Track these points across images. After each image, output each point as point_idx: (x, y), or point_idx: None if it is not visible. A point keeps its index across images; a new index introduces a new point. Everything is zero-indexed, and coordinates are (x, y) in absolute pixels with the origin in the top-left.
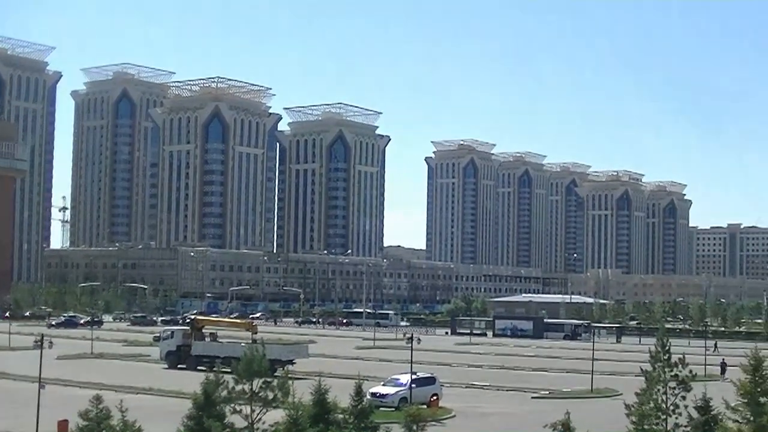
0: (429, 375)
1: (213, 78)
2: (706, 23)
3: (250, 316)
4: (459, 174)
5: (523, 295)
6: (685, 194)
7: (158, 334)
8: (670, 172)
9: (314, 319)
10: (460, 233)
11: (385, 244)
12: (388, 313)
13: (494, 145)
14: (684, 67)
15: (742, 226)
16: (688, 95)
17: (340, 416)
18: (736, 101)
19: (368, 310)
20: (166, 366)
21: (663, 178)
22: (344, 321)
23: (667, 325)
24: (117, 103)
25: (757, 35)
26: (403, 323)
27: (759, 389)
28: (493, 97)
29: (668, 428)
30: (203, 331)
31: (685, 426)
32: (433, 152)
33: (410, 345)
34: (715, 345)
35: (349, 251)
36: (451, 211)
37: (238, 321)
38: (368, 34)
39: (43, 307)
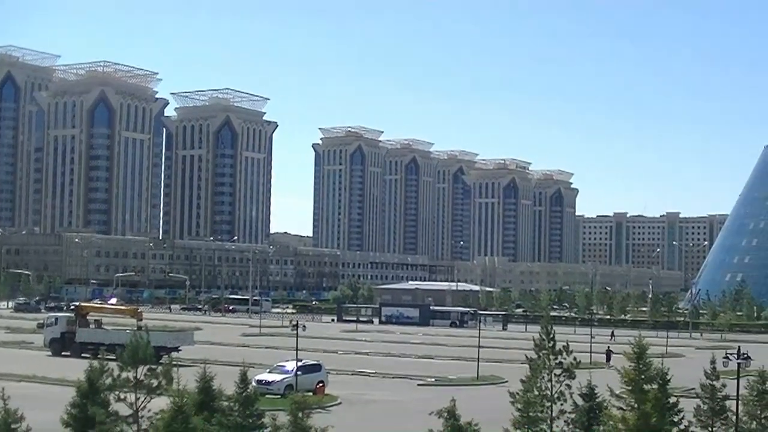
0: (315, 362)
1: (99, 62)
2: (587, 11)
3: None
4: (346, 161)
5: (410, 282)
6: (571, 183)
7: (42, 321)
8: (557, 160)
9: (200, 306)
10: (347, 220)
11: (271, 231)
12: (257, 300)
13: (382, 132)
14: (569, 56)
15: (628, 215)
16: (574, 85)
17: (225, 404)
18: (622, 90)
19: (255, 297)
20: (50, 353)
21: (550, 167)
22: (230, 308)
23: (553, 313)
24: (0, 87)
25: (638, 25)
26: (276, 310)
27: (643, 377)
28: (381, 84)
29: (553, 415)
30: (88, 317)
31: (570, 413)
32: (321, 139)
33: (296, 332)
34: (612, 333)
35: (236, 238)
36: (338, 198)
37: (124, 308)
38: (256, 19)
39: None
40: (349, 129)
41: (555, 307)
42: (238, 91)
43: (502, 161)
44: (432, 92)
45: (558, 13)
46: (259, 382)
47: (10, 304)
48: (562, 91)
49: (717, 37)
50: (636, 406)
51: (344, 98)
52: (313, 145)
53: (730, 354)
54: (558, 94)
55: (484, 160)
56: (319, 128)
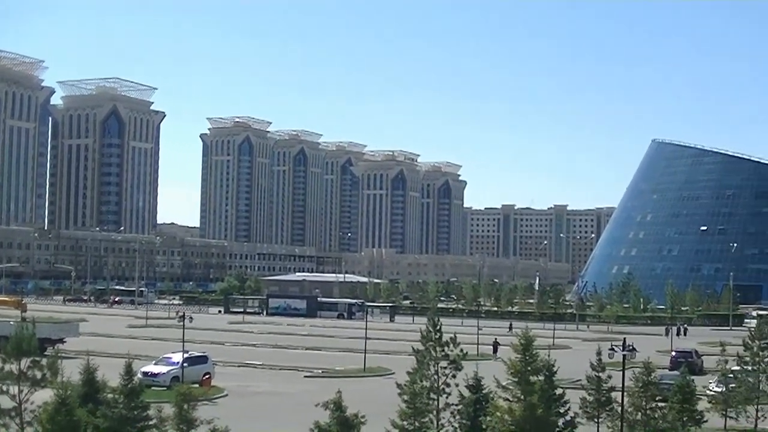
0: (201, 354)
1: None
2: (473, 4)
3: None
4: (234, 151)
5: (298, 273)
6: (460, 175)
7: None
8: (446, 152)
9: (85, 297)
10: (234, 211)
11: (158, 222)
12: (142, 290)
13: (270, 122)
14: (457, 49)
15: (515, 207)
16: (463, 77)
17: (110, 396)
18: (511, 83)
19: (141, 289)
20: None
21: (439, 159)
22: (116, 299)
23: (441, 305)
24: None
25: (528, 19)
26: (163, 301)
27: (529, 368)
28: (270, 75)
29: (439, 407)
30: None
31: (456, 404)
32: (209, 129)
33: (183, 324)
34: (510, 326)
35: (122, 228)
36: (225, 188)
37: (7, 299)
38: (144, 9)
39: None
40: (237, 119)
41: (442, 298)
42: (126, 81)
43: (391, 153)
44: (320, 84)
45: (446, 6)
46: (144, 374)
47: None
48: (450, 83)
49: (606, 32)
50: (522, 397)
51: (233, 89)
52: (201, 136)
53: (616, 346)
54: (446, 86)
55: (372, 151)
56: (207, 118)
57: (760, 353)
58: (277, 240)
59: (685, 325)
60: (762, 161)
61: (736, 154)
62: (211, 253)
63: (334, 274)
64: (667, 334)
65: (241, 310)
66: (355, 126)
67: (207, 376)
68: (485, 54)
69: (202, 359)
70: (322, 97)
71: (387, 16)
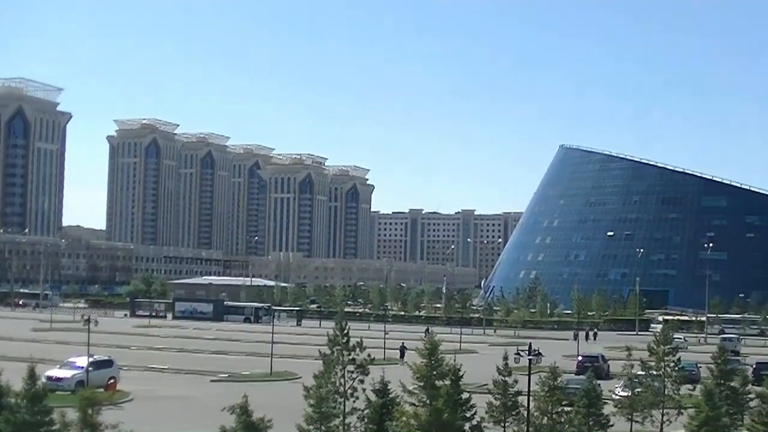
0: (106, 358)
1: None
2: (378, 8)
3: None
4: (141, 154)
5: (204, 277)
6: (367, 179)
7: None
8: (354, 156)
9: None
10: (141, 214)
11: (64, 224)
12: (47, 293)
13: (178, 125)
14: (362, 52)
15: (423, 212)
16: (370, 81)
17: (12, 401)
18: (418, 87)
19: (46, 291)
20: None
21: (346, 163)
22: (20, 302)
23: (348, 309)
24: None
25: (434, 22)
26: (68, 304)
27: (435, 373)
28: (178, 77)
29: (346, 411)
30: None
31: (363, 409)
32: (116, 131)
33: (88, 327)
34: (427, 330)
35: (27, 230)
36: (132, 191)
37: None
38: (51, 8)
39: None
40: (144, 121)
41: (349, 303)
42: (32, 81)
43: (299, 156)
44: (228, 86)
45: (348, 10)
46: (48, 378)
47: None
48: (358, 87)
49: (514, 36)
50: (428, 401)
51: (140, 91)
52: (108, 138)
53: (522, 350)
54: (354, 90)
55: (280, 155)
56: (114, 120)
57: (665, 358)
58: (184, 243)
59: (595, 330)
60: (668, 167)
61: (642, 161)
62: (117, 256)
63: (241, 278)
64: (575, 339)
65: (147, 313)
66: (263, 129)
67: (112, 381)
68: (391, 57)
69: (108, 363)
70: (230, 100)
71: (291, 18)
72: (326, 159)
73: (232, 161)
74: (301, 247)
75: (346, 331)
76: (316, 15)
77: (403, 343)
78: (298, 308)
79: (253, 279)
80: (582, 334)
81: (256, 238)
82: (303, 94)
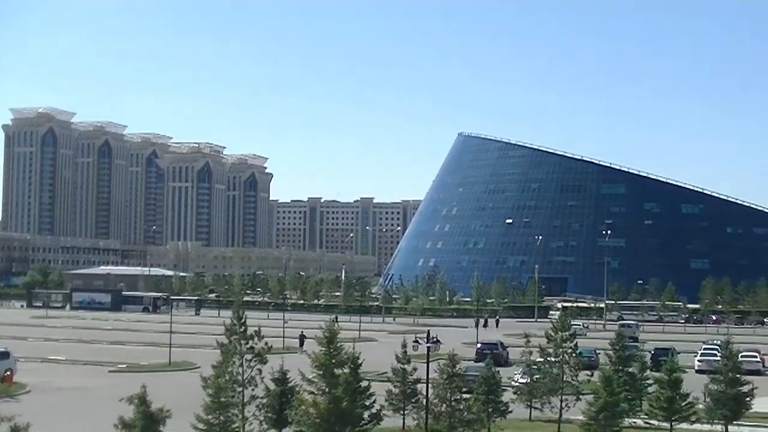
0: (2, 349)
1: None
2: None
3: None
4: (37, 143)
5: (102, 267)
6: (266, 167)
7: None
8: (252, 145)
9: None
10: (37, 204)
11: None
12: None
13: (74, 114)
14: (260, 40)
15: (322, 200)
16: (268, 68)
17: None
18: (315, 74)
19: None
20: None
21: (245, 151)
22: None
23: (246, 298)
24: None
25: (329, 12)
26: None
27: (334, 361)
28: (73, 64)
29: (245, 400)
30: None
31: (262, 398)
32: (11, 120)
33: None
34: (335, 319)
35: None
36: (28, 180)
37: None
38: None
39: None
40: (41, 110)
41: (248, 292)
42: None
43: (197, 145)
44: (125, 75)
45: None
46: None
47: None
48: (255, 74)
49: (411, 26)
50: (327, 390)
51: (36, 79)
52: (3, 126)
53: (420, 338)
54: (251, 76)
55: (178, 143)
56: (10, 109)
57: (563, 345)
58: (82, 233)
59: (497, 317)
60: (567, 155)
61: (541, 148)
62: (13, 247)
63: (139, 268)
64: (477, 326)
65: (45, 304)
66: (162, 118)
67: (9, 373)
68: (289, 45)
69: (4, 355)
70: (128, 89)
71: (186, 5)
72: (225, 147)
73: (129, 150)
74: (200, 237)
75: (243, 321)
76: (212, 2)
77: (302, 331)
78: (196, 298)
79: (151, 269)
80: (482, 321)
81: (154, 227)
82: (201, 83)
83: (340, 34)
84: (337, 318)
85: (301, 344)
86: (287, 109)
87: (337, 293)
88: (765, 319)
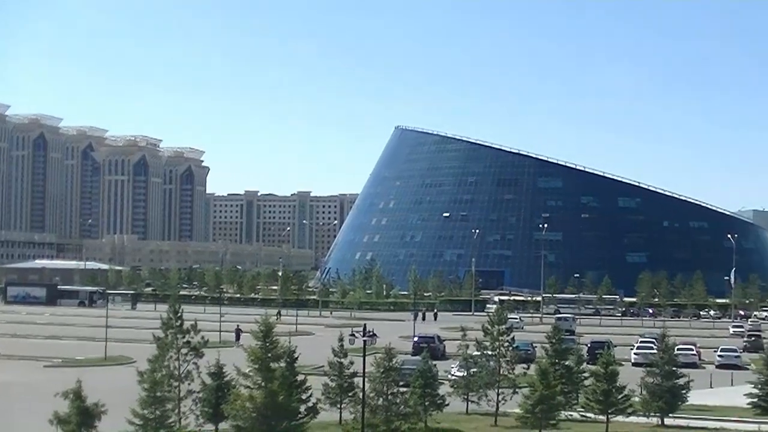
0: None
1: None
2: None
3: None
4: None
5: (37, 261)
6: (203, 161)
7: None
8: (189, 138)
9: None
10: None
11: None
12: None
13: (9, 106)
14: (196, 35)
15: (259, 194)
16: (200, 62)
17: None
18: (249, 71)
19: None
20: None
21: (181, 145)
22: None
23: (183, 292)
24: None
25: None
26: None
27: (269, 355)
28: (9, 55)
29: (181, 395)
30: None
31: (198, 392)
32: None
33: None
34: (278, 313)
35: None
36: None
37: None
38: None
39: None
40: None
41: (185, 285)
42: None
43: (133, 138)
44: (61, 66)
45: None
46: None
47: None
48: (191, 67)
49: (349, 22)
50: (263, 384)
51: None
52: None
53: (357, 332)
54: (187, 70)
55: (114, 136)
56: None
57: (500, 338)
58: (16, 227)
59: (435, 310)
60: (503, 149)
61: (478, 142)
62: None
63: (75, 261)
64: (415, 319)
65: None
66: (97, 110)
67: None
68: (223, 41)
69: None
70: (63, 82)
71: (124, 3)
72: (161, 141)
73: (65, 143)
74: (136, 230)
75: (180, 315)
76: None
77: (238, 325)
78: (133, 292)
79: (87, 262)
80: (420, 315)
81: (90, 221)
82: (137, 76)
83: (275, 28)
84: (280, 313)
85: (238, 338)
86: (224, 103)
87: (274, 287)
88: (701, 312)
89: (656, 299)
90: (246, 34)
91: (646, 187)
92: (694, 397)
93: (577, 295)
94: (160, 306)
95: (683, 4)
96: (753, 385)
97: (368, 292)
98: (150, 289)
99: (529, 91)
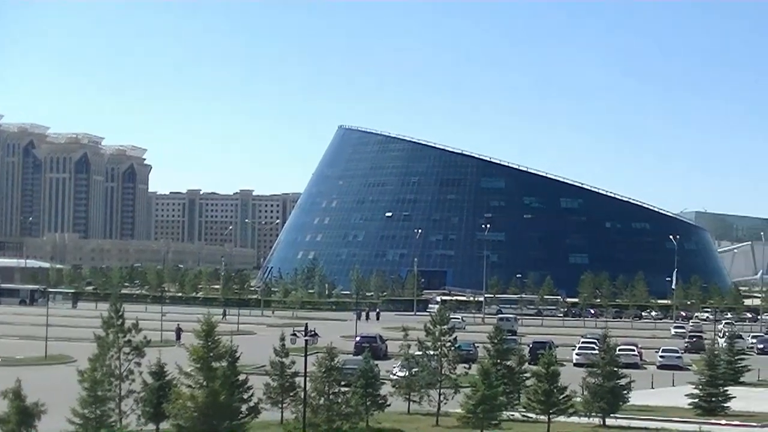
0: None
1: None
2: None
3: None
4: None
5: None
6: (145, 159)
7: None
8: (131, 136)
9: None
10: None
11: None
12: None
13: None
14: (141, 32)
15: (201, 192)
16: (142, 60)
17: None
18: (192, 68)
19: None
20: None
21: (124, 142)
22: None
23: (125, 291)
24: None
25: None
26: None
27: (212, 354)
28: None
29: (122, 394)
30: None
31: (139, 391)
32: None
33: None
34: (224, 313)
35: None
36: None
37: None
38: None
39: None
40: None
41: (126, 284)
42: None
43: (74, 136)
44: (3, 62)
45: None
46: None
47: None
48: (133, 65)
49: (288, 22)
50: (205, 383)
51: None
52: None
53: (298, 331)
54: (130, 67)
55: (56, 133)
56: None
57: (442, 338)
58: None
59: (378, 310)
60: (447, 149)
61: (421, 142)
62: None
63: (15, 259)
64: (357, 319)
65: None
66: (39, 108)
67: None
68: (165, 39)
69: None
70: (3, 78)
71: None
72: (103, 138)
73: (6, 140)
74: (78, 228)
75: (121, 313)
76: None
77: (178, 324)
78: (73, 290)
79: (27, 260)
80: (363, 314)
81: (31, 219)
82: (79, 73)
83: (217, 25)
84: (225, 312)
85: (178, 337)
86: (166, 101)
87: (216, 286)
88: (643, 313)
89: (598, 300)
90: (187, 31)
91: (588, 188)
92: (636, 398)
93: (519, 296)
94: (101, 305)
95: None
96: (694, 386)
97: (310, 291)
98: (91, 287)
99: (472, 92)
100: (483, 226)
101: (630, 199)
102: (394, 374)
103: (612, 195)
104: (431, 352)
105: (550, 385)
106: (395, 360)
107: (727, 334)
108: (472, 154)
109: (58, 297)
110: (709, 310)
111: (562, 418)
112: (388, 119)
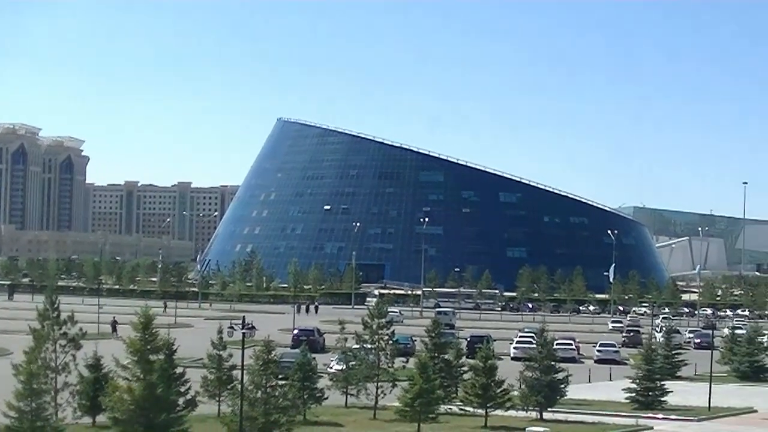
0: None
1: None
2: None
3: None
4: None
5: None
6: (83, 150)
7: None
8: (69, 127)
9: None
10: None
11: None
12: None
13: None
14: (83, 21)
15: (139, 184)
16: (83, 50)
17: None
18: (131, 57)
19: None
20: None
21: (61, 133)
22: None
23: (61, 283)
24: None
25: None
26: None
27: (149, 347)
28: None
29: (58, 387)
30: None
31: (75, 384)
32: None
33: None
34: (165, 305)
35: None
36: None
37: None
38: None
39: None
40: None
41: (63, 276)
42: None
43: (11, 126)
44: None
45: None
46: None
47: None
48: (71, 54)
49: (232, 11)
50: (142, 376)
51: None
52: None
53: (236, 324)
54: (68, 57)
55: None
56: None
57: (379, 331)
58: None
59: (316, 303)
60: (385, 142)
61: (360, 135)
62: None
63: None
64: (296, 312)
65: None
66: None
67: None
68: (104, 29)
69: None
70: None
71: None
72: (40, 129)
73: None
74: (14, 220)
75: (57, 306)
76: None
77: (114, 317)
78: (10, 282)
79: None
80: (302, 307)
81: None
82: (16, 62)
83: (159, 17)
84: (166, 304)
85: (114, 330)
86: (103, 92)
87: (154, 278)
88: (580, 308)
89: (536, 294)
90: (126, 22)
91: (527, 182)
92: (573, 392)
93: (457, 290)
94: (37, 297)
95: None
96: (631, 380)
97: (248, 284)
98: (27, 279)
99: (410, 85)
100: (421, 219)
101: (568, 193)
102: (332, 368)
103: (550, 189)
104: (369, 346)
105: (488, 379)
106: (333, 353)
107: (664, 328)
108: (411, 148)
109: None
110: (646, 304)
111: (499, 412)
112: (327, 112)
